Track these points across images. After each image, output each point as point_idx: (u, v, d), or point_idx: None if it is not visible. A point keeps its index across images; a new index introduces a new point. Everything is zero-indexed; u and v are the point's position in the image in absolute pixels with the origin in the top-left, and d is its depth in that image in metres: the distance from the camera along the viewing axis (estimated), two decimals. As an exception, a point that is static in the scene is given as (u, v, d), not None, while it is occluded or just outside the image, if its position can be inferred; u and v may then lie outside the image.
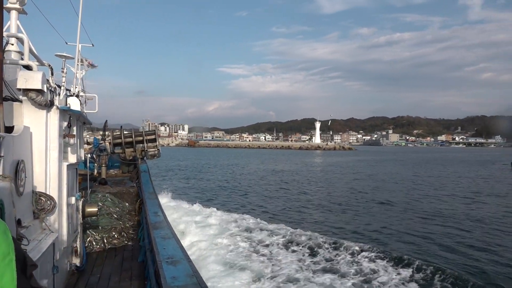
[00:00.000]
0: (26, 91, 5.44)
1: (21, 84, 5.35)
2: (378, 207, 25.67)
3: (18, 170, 4.67)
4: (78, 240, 7.93)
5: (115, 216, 11.20)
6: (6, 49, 5.80)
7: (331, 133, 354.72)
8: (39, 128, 5.80)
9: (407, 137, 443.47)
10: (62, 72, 7.34)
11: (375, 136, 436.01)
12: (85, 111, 10.05)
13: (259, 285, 11.48)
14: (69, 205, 6.89)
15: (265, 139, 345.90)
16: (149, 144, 20.47)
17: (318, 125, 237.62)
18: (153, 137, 20.87)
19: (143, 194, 12.48)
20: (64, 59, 7.60)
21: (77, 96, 8.17)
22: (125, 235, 10.61)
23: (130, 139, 20.22)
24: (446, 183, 41.09)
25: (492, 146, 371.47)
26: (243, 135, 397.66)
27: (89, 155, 13.58)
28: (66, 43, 10.96)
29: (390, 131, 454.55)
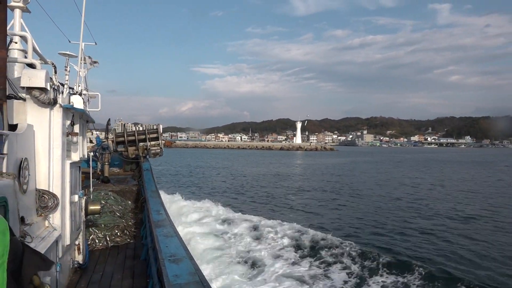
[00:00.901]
0: (29, 89, 5.46)
1: (24, 82, 5.37)
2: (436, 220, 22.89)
3: (22, 168, 4.70)
4: (81, 237, 7.97)
5: (118, 214, 11.24)
6: (9, 48, 5.83)
7: (307, 133, 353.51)
8: (43, 126, 5.82)
9: (381, 138, 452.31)
10: (66, 70, 7.36)
11: (350, 136, 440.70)
12: (88, 110, 10.07)
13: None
14: (72, 203, 6.92)
15: (241, 139, 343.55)
16: (152, 143, 20.52)
17: (299, 125, 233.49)
18: (155, 135, 20.92)
19: (146, 192, 12.51)
20: (67, 58, 7.63)
21: (80, 94, 8.19)
22: (127, 233, 10.64)
23: (133, 138, 20.28)
24: (467, 186, 39.16)
25: (463, 146, 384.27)
26: (219, 135, 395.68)
27: (92, 153, 13.62)
28: (69, 42, 11.00)
29: (365, 132, 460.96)
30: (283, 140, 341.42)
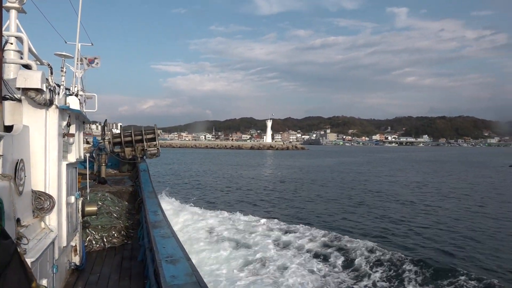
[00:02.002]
0: (25, 90, 5.44)
1: (20, 83, 5.35)
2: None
3: (18, 169, 4.67)
4: (77, 239, 7.93)
5: (115, 215, 11.21)
6: (5, 49, 5.81)
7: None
8: (39, 127, 5.80)
9: (344, 137, 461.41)
10: (62, 71, 7.34)
11: (314, 135, 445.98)
12: (85, 110, 10.04)
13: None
14: (68, 204, 6.90)
15: (205, 138, 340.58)
16: (149, 143, 20.46)
17: (269, 123, 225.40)
18: (152, 136, 20.86)
19: (143, 193, 12.49)
20: (63, 58, 7.61)
21: (77, 95, 8.17)
22: (124, 234, 10.62)
23: (130, 138, 20.22)
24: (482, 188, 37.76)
25: (421, 145, 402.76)
26: (182, 134, 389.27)
27: (88, 154, 13.57)
28: (66, 42, 10.97)
29: (328, 131, 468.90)
30: (248, 139, 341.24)
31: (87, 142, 19.77)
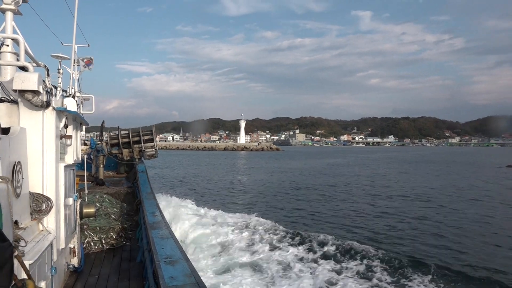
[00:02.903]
0: (22, 92, 5.42)
1: (17, 85, 5.33)
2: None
3: (15, 172, 4.66)
4: (76, 241, 7.92)
5: (113, 216, 11.19)
6: (1, 50, 5.79)
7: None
8: (36, 129, 5.78)
9: (312, 137, 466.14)
10: (58, 73, 7.33)
11: (283, 136, 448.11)
12: (82, 112, 10.03)
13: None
14: (66, 206, 6.88)
15: (173, 139, 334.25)
16: (147, 144, 20.42)
17: (243, 124, 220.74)
18: (150, 137, 20.81)
19: (141, 194, 12.47)
20: (60, 60, 7.60)
21: (74, 96, 8.15)
22: (123, 235, 10.60)
23: (127, 139, 20.17)
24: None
25: (387, 145, 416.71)
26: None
27: (86, 156, 13.55)
28: (62, 44, 10.95)
29: (297, 131, 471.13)
30: (217, 140, 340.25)
31: (85, 144, 19.71)
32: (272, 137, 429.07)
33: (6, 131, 5.10)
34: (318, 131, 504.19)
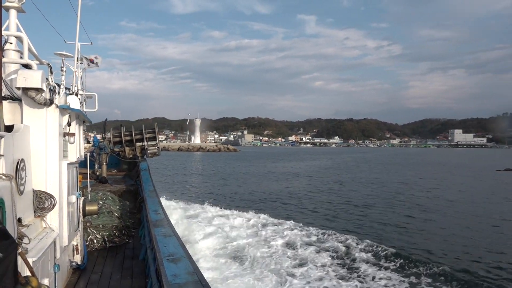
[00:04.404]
0: (25, 89, 5.43)
1: (20, 83, 5.34)
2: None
3: (19, 169, 4.67)
4: (79, 238, 7.95)
5: (116, 214, 11.22)
6: (5, 48, 5.81)
7: (188, 133, 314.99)
8: (39, 127, 5.79)
9: (261, 138, 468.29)
10: (62, 70, 7.34)
11: (232, 136, 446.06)
12: (85, 110, 10.04)
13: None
14: (69, 203, 6.90)
15: None
16: (149, 143, 20.46)
17: (198, 122, 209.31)
18: (153, 135, 20.86)
19: (144, 192, 12.50)
20: (63, 58, 7.60)
21: (77, 94, 8.16)
22: (125, 233, 10.63)
23: (130, 138, 20.21)
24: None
25: (333, 146, 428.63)
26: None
27: (89, 154, 13.59)
28: (65, 42, 10.97)
29: (245, 132, 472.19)
30: (163, 140, 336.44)
31: (88, 142, 19.78)
32: (220, 138, 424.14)
33: (9, 128, 5.11)
34: (265, 132, 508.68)
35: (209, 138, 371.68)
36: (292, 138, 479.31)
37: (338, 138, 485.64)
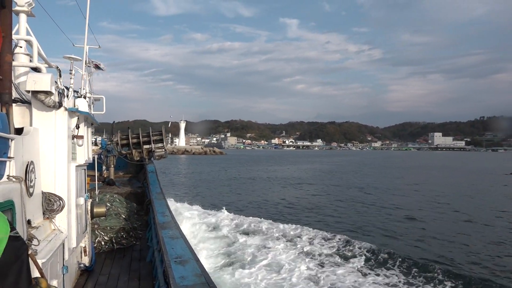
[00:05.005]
0: (35, 93, 5.49)
1: (30, 86, 5.40)
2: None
3: (28, 171, 4.72)
4: (87, 240, 7.99)
5: (123, 216, 11.27)
6: (15, 52, 5.87)
7: (170, 135, 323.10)
8: (48, 129, 5.85)
9: (244, 140, 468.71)
10: (70, 74, 7.41)
11: (215, 139, 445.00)
12: (93, 112, 10.13)
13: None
14: (77, 205, 6.95)
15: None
16: (156, 145, 20.53)
17: (183, 125, 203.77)
18: (160, 138, 20.93)
19: (151, 194, 12.54)
20: (72, 61, 7.68)
21: (85, 97, 8.24)
22: (133, 235, 10.67)
23: (137, 140, 20.30)
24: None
25: (316, 148, 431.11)
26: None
27: (96, 156, 13.69)
28: (74, 45, 11.08)
29: (228, 134, 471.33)
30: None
31: (95, 144, 19.91)
32: (203, 140, 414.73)
33: (19, 131, 5.17)
34: (248, 134, 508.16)
35: (191, 141, 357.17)
36: (275, 141, 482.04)
37: (321, 141, 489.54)
